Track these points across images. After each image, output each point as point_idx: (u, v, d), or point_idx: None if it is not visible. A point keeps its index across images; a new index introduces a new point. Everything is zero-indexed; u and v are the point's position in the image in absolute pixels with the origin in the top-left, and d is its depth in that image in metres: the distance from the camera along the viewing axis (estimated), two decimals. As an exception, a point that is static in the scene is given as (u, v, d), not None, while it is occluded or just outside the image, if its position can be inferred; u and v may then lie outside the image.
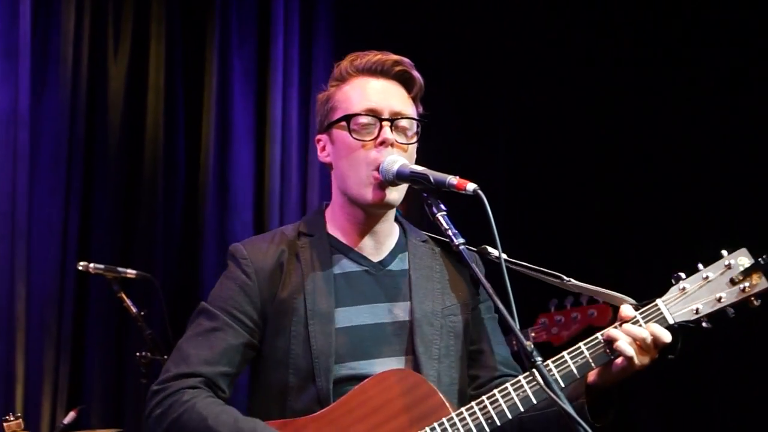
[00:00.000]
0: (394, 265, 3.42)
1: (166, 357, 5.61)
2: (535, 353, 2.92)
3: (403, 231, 3.51)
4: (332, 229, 3.41)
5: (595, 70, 7.69)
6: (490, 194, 3.06)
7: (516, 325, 2.95)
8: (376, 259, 3.40)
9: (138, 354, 5.69)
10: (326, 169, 3.47)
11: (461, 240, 3.09)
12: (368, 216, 3.37)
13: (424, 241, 3.52)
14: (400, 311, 3.36)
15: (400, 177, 3.24)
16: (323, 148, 3.43)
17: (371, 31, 7.49)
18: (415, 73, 3.40)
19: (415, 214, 3.79)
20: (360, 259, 3.38)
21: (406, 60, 3.40)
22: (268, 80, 7.32)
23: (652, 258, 7.13)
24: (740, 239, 3.28)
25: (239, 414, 3.15)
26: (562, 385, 3.13)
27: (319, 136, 3.45)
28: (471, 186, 3.07)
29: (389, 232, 3.45)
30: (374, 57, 3.37)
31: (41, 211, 6.49)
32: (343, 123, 3.32)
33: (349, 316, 3.30)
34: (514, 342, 3.03)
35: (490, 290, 3.06)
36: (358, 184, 3.29)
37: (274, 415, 3.20)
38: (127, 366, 6.59)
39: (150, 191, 6.91)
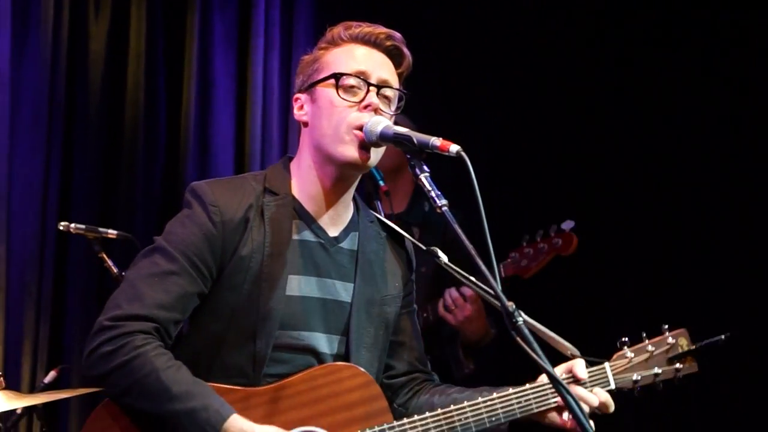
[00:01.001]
0: (346, 243, 3.48)
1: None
2: (516, 313, 2.95)
3: (357, 208, 3.55)
4: (296, 191, 3.43)
5: (582, 46, 7.72)
6: (473, 158, 3.10)
7: (499, 286, 2.98)
8: (331, 233, 3.45)
9: (110, 298, 5.66)
10: (304, 130, 3.48)
11: (444, 201, 3.12)
12: (338, 179, 3.40)
13: (371, 222, 3.59)
14: (344, 291, 3.43)
15: (383, 138, 3.28)
16: (301, 107, 3.47)
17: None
18: (405, 50, 3.48)
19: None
20: (318, 230, 3.42)
21: (398, 35, 3.47)
22: (249, 43, 7.30)
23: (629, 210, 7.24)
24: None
25: (189, 374, 3.14)
26: (502, 420, 3.34)
27: (298, 95, 3.49)
28: (454, 147, 3.11)
29: (347, 204, 3.50)
30: (368, 28, 3.44)
31: (21, 171, 6.45)
32: (331, 81, 3.36)
33: (299, 285, 3.35)
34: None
35: (468, 246, 3.07)
36: (338, 141, 3.32)
37: (201, 363, 3.21)
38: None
39: (131, 152, 6.89)
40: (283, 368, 3.29)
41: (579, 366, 3.40)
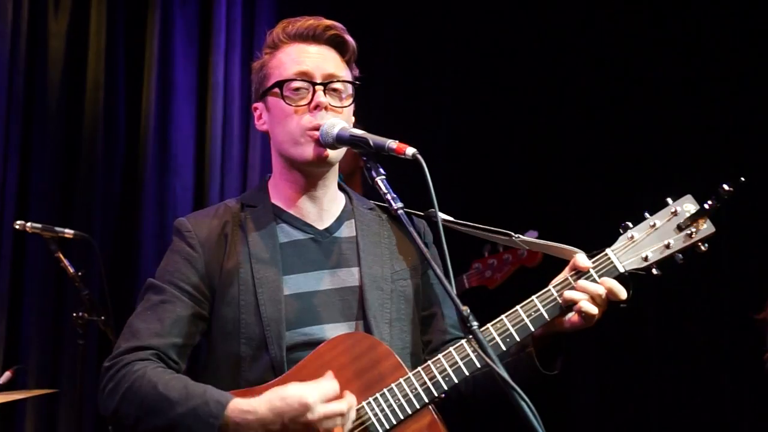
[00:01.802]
0: (341, 232, 3.44)
1: (103, 318, 5.62)
2: (471, 318, 2.94)
3: (349, 199, 3.53)
4: (276, 199, 3.43)
5: (539, 31, 7.74)
6: (431, 158, 3.07)
7: (453, 290, 2.96)
8: (321, 226, 3.42)
9: (75, 314, 5.65)
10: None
11: (399, 204, 3.11)
12: (309, 178, 3.39)
13: (370, 209, 3.55)
14: (349, 276, 3.38)
15: (339, 140, 3.26)
16: (260, 117, 3.47)
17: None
18: (348, 37, 3.43)
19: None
20: (305, 227, 3.40)
21: (338, 24, 3.42)
22: (210, 41, 7.28)
23: (597, 210, 7.20)
24: (682, 186, 3.34)
25: (190, 380, 3.14)
26: (517, 339, 3.18)
27: (255, 105, 3.48)
28: (410, 150, 3.09)
29: (332, 198, 3.47)
30: (306, 22, 3.39)
31: (-22, 168, 6.41)
32: (277, 90, 3.34)
33: (297, 283, 3.32)
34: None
35: (427, 255, 3.08)
36: (296, 144, 3.30)
37: (225, 386, 3.17)
38: (64, 326, 6.55)
39: (90, 151, 6.84)
40: None
41: (580, 257, 3.26)
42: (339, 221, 3.45)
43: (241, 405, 3.06)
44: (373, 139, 3.17)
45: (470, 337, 3.03)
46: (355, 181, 5.96)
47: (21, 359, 6.45)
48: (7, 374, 5.57)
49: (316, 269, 3.36)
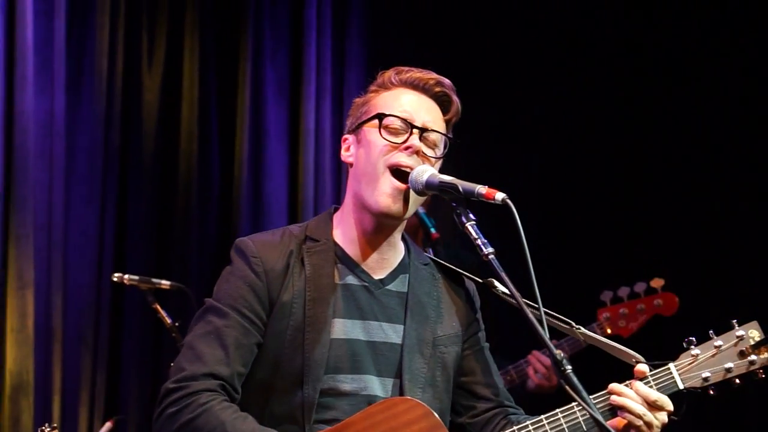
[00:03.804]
0: (394, 285, 3.45)
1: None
2: (565, 362, 2.93)
3: (408, 251, 3.53)
4: (338, 237, 3.44)
5: (631, 79, 7.67)
6: (521, 204, 3.07)
7: (546, 334, 2.96)
8: (377, 276, 3.43)
9: (172, 365, 5.69)
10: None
11: (490, 249, 3.11)
12: (375, 225, 3.40)
13: (425, 264, 3.56)
14: (393, 333, 3.39)
15: (429, 186, 3.27)
16: (348, 148, 3.50)
17: (404, 39, 7.51)
18: (455, 97, 3.48)
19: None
20: (361, 273, 3.41)
21: (447, 82, 3.47)
22: (301, 90, 7.34)
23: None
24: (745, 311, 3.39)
25: (257, 423, 3.15)
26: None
27: (346, 136, 3.52)
28: (500, 195, 3.10)
29: (394, 249, 3.48)
30: (418, 73, 3.45)
31: (77, 222, 6.50)
32: (375, 121, 3.36)
33: (344, 329, 3.33)
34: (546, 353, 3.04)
35: (517, 295, 3.07)
36: (374, 185, 3.33)
37: (251, 413, 3.19)
38: (162, 376, 6.59)
39: (184, 201, 6.93)
40: (334, 413, 3.26)
41: (641, 366, 3.27)
42: (394, 274, 3.46)
43: None
44: (462, 184, 3.20)
45: (562, 382, 3.02)
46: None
47: (121, 410, 6.52)
48: (108, 425, 5.64)
49: (363, 319, 3.36)
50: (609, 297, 6.03)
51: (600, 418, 2.87)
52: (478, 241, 3.12)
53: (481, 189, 3.15)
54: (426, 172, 3.30)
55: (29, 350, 6.05)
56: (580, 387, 2.92)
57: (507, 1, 7.73)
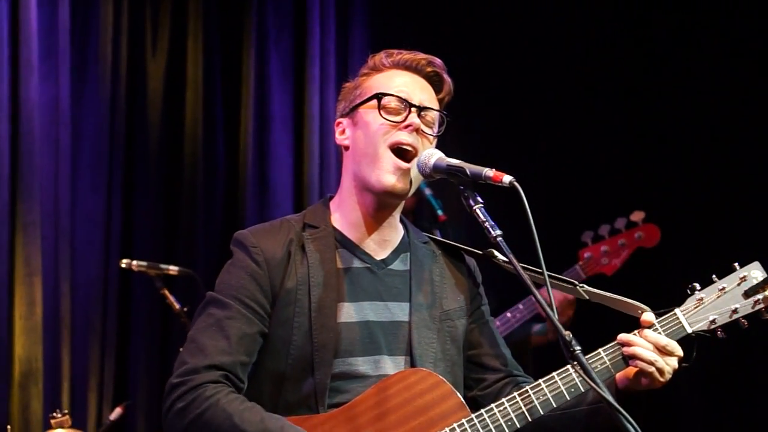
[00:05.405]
0: (396, 265, 3.46)
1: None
2: (573, 342, 2.96)
3: (407, 231, 3.54)
4: (336, 221, 3.45)
5: (635, 66, 7.71)
6: (527, 187, 3.09)
7: (555, 315, 2.98)
8: (378, 256, 3.44)
9: (181, 350, 5.71)
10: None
11: (498, 232, 3.13)
12: (378, 207, 3.41)
13: (425, 243, 3.57)
14: (400, 311, 3.40)
15: (437, 169, 3.29)
16: (342, 131, 3.50)
17: (407, 23, 7.52)
18: (446, 76, 3.49)
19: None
20: (363, 255, 3.42)
21: (438, 61, 3.49)
22: (305, 74, 7.35)
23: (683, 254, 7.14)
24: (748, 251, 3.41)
25: (264, 412, 3.16)
26: (582, 390, 3.20)
27: (340, 120, 3.51)
28: (507, 178, 3.12)
29: (395, 229, 3.49)
30: (408, 54, 3.47)
31: (84, 209, 6.52)
32: (373, 102, 3.38)
33: (350, 312, 3.34)
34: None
35: (524, 276, 3.09)
36: (376, 164, 3.34)
37: (264, 403, 3.20)
38: (171, 362, 6.53)
39: (190, 187, 6.95)
40: (347, 396, 3.27)
41: (648, 315, 3.27)
42: (396, 253, 3.47)
43: None
44: (469, 167, 3.21)
45: (571, 362, 3.04)
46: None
47: (130, 395, 6.55)
48: (118, 410, 5.67)
49: (369, 300, 3.38)
50: (590, 237, 6.01)
51: (610, 398, 2.88)
52: (486, 224, 3.13)
53: (489, 172, 3.16)
54: (434, 155, 3.31)
55: (38, 337, 6.08)
56: (589, 368, 2.95)
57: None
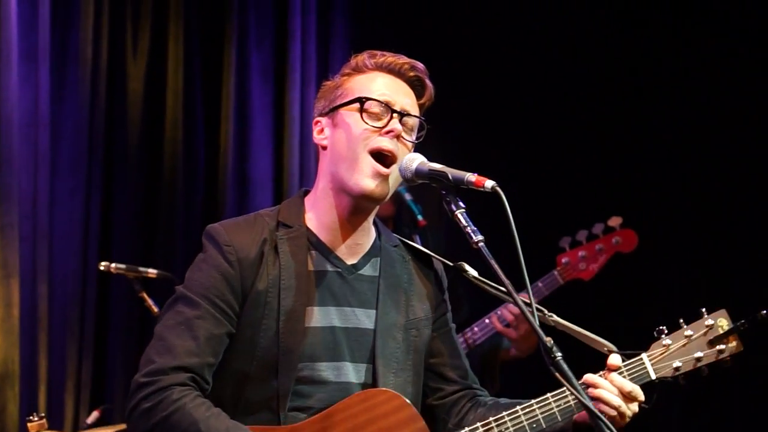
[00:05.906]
0: (366, 270, 3.45)
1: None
2: (554, 349, 2.95)
3: (378, 234, 3.53)
4: (311, 222, 3.42)
5: (614, 73, 7.74)
6: (504, 193, 3.08)
7: (536, 323, 2.97)
8: (349, 261, 3.43)
9: (143, 355, 5.68)
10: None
11: (480, 237, 3.11)
12: (353, 209, 3.40)
13: (395, 246, 3.56)
14: (366, 318, 3.40)
15: (418, 174, 3.29)
16: (321, 131, 3.48)
17: (388, 28, 7.51)
18: (428, 81, 3.49)
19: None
20: (335, 260, 3.40)
21: (420, 66, 3.48)
22: (286, 77, 7.33)
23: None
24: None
25: (230, 420, 3.14)
26: (543, 426, 3.27)
27: (318, 119, 3.50)
28: (489, 183, 3.12)
29: (367, 234, 3.48)
30: (391, 57, 3.45)
31: (62, 211, 6.48)
32: (355, 105, 3.36)
33: (317, 317, 3.33)
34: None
35: (506, 281, 3.08)
36: (355, 168, 3.33)
37: (225, 401, 3.21)
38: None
39: (170, 190, 6.91)
40: (308, 401, 3.28)
41: (614, 358, 3.33)
42: (366, 258, 3.46)
43: None
44: (451, 172, 3.20)
45: (552, 369, 3.04)
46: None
47: (107, 399, 6.52)
48: (95, 414, 5.66)
49: (336, 305, 3.37)
50: (568, 242, 6.02)
51: (590, 405, 2.88)
52: (468, 229, 3.12)
53: (471, 177, 3.15)
54: (416, 159, 3.31)
55: (15, 339, 6.04)
56: (570, 375, 2.94)
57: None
